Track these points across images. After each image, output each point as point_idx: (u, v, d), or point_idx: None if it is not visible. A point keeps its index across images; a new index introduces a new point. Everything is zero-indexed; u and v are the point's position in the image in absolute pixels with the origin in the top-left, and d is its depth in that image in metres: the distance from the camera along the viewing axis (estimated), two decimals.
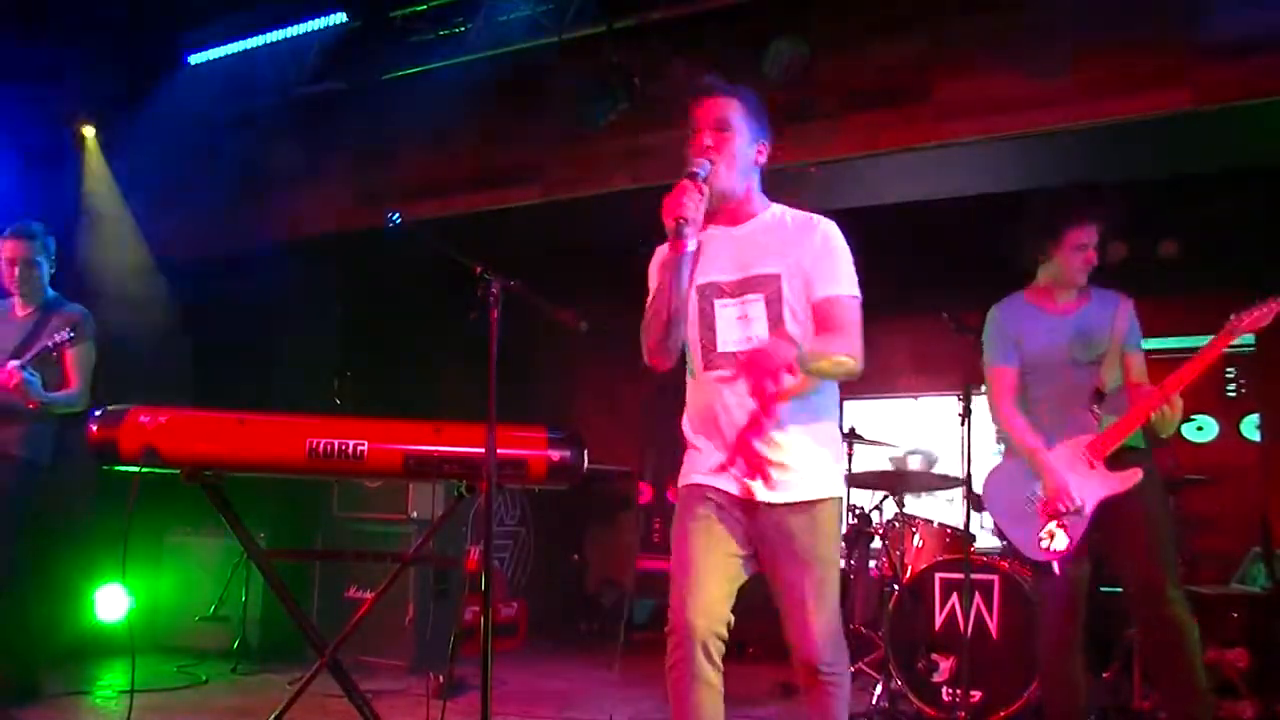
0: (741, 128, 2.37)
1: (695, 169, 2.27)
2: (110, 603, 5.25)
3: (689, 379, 2.44)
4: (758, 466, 2.31)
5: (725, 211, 2.40)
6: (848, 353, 2.28)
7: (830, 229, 2.38)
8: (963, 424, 3.96)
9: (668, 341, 2.32)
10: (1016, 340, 3.25)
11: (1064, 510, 3.03)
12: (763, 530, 2.33)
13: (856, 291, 2.35)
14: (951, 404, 5.97)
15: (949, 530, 4.69)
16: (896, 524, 4.92)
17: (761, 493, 2.31)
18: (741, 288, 2.35)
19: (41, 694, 4.17)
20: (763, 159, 2.43)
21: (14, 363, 3.77)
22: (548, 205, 5.45)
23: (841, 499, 2.40)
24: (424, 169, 5.78)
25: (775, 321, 2.31)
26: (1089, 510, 3.03)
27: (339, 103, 5.52)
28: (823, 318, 2.31)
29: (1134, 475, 3.01)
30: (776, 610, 2.34)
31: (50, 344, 3.80)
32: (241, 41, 5.39)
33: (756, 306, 2.32)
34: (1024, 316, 3.28)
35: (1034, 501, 3.13)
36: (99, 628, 5.23)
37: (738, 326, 2.34)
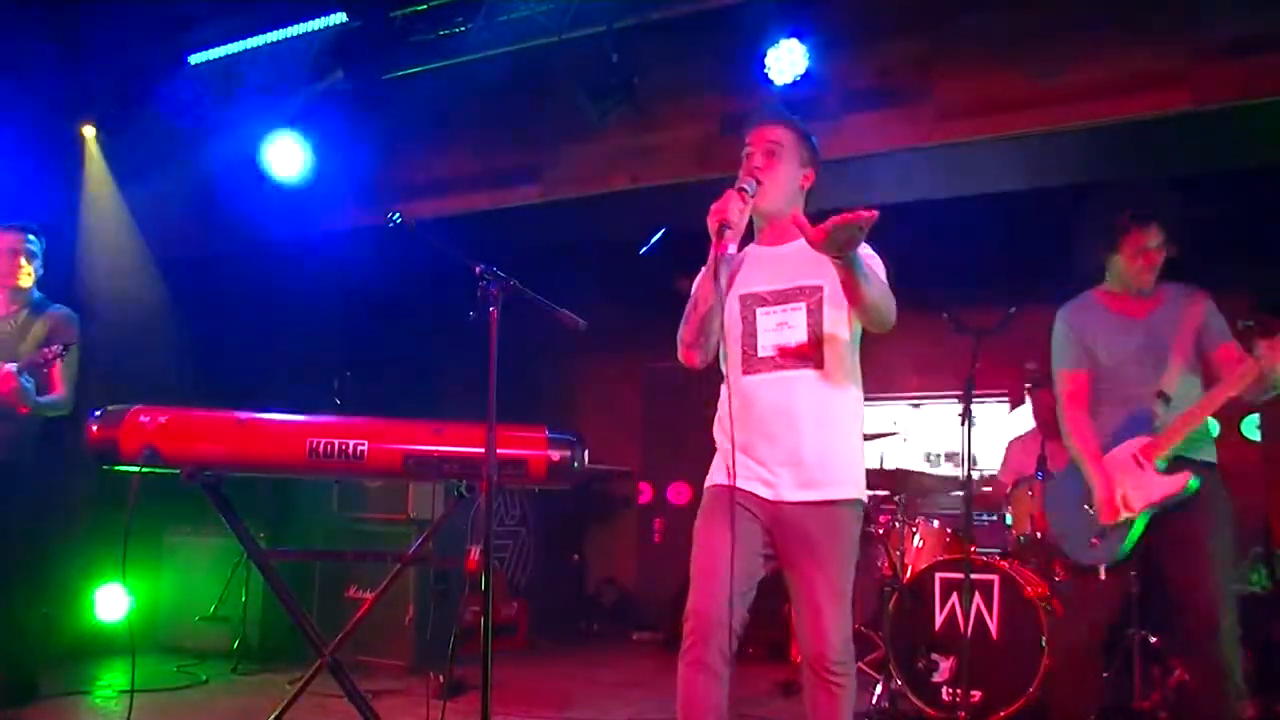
0: (791, 154, 2.55)
1: (744, 185, 2.43)
2: (110, 603, 5.25)
3: (724, 386, 2.53)
4: (786, 465, 2.42)
5: (770, 230, 2.58)
6: (889, 294, 2.41)
7: (866, 248, 2.50)
8: (963, 424, 3.96)
9: (702, 337, 2.46)
10: (1087, 344, 3.17)
11: (1108, 523, 3.00)
12: (785, 528, 2.43)
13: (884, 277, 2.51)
14: (952, 405, 6.00)
15: (949, 530, 4.70)
16: (896, 524, 4.92)
17: (788, 492, 2.42)
18: (783, 297, 2.50)
19: (38, 694, 4.17)
20: (808, 185, 2.61)
21: (10, 366, 3.79)
22: (548, 205, 5.45)
23: (863, 503, 2.50)
24: (424, 169, 5.77)
25: (815, 328, 2.45)
26: (1136, 511, 2.97)
27: (339, 102, 5.51)
28: None
29: (1181, 479, 2.92)
30: (776, 611, 2.36)
31: (42, 360, 3.83)
32: (241, 41, 5.39)
33: (798, 315, 2.47)
34: (1093, 319, 3.19)
35: (1084, 504, 3.09)
36: (99, 628, 5.23)
37: (778, 332, 2.48)
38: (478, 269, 2.70)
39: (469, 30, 5.06)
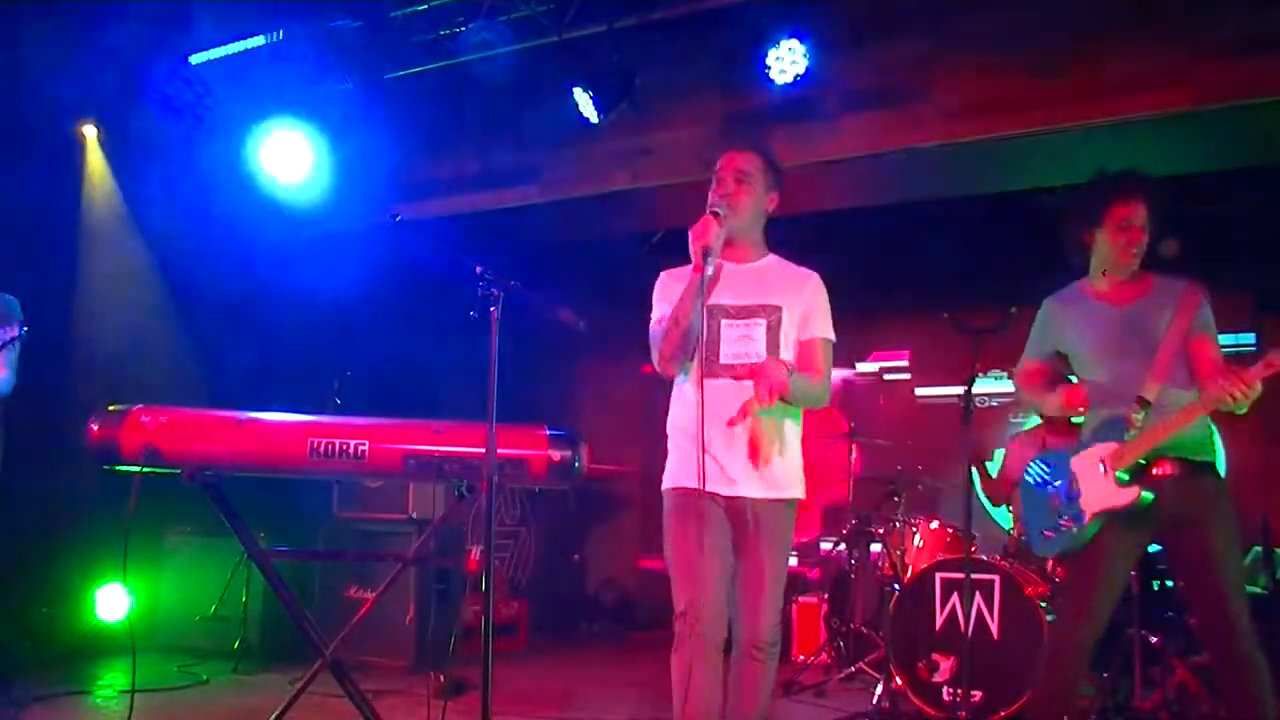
0: (758, 179, 2.76)
1: (716, 209, 2.64)
2: (110, 603, 5.25)
3: (680, 387, 2.76)
4: (745, 465, 2.62)
5: (735, 249, 2.76)
6: (824, 389, 2.75)
7: (820, 282, 2.80)
8: (963, 424, 3.96)
9: (680, 351, 2.67)
10: (1060, 335, 3.13)
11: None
12: (742, 520, 2.63)
13: (834, 336, 2.78)
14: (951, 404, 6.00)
15: (949, 530, 4.70)
16: (896, 524, 4.92)
17: (748, 488, 2.62)
18: (746, 312, 2.70)
19: (15, 700, 4.11)
20: (772, 207, 2.82)
21: None
22: (548, 205, 5.45)
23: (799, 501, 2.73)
24: (424, 169, 5.78)
25: (773, 345, 2.68)
26: (1086, 519, 2.92)
27: (339, 102, 5.51)
28: (809, 356, 2.74)
29: (1131, 493, 2.87)
30: None
31: (2, 342, 3.73)
32: (241, 41, 5.39)
33: (759, 329, 2.69)
34: (1074, 310, 3.12)
35: (1051, 495, 3.05)
36: (99, 628, 5.23)
37: (739, 343, 2.69)
38: (478, 269, 2.71)
39: (469, 30, 5.06)
